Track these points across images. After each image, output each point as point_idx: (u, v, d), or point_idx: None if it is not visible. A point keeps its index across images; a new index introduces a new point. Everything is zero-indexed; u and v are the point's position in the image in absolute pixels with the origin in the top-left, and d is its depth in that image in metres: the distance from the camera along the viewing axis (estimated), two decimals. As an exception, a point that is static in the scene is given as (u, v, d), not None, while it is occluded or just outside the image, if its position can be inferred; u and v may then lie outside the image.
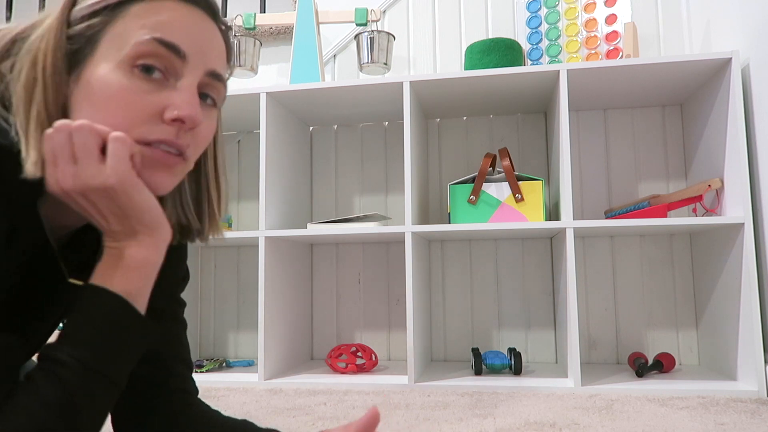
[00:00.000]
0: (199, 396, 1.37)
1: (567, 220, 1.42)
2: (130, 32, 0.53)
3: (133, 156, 0.53)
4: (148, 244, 0.54)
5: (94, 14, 0.54)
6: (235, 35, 1.82)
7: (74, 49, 0.54)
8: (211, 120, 0.60)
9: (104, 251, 0.54)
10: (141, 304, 0.54)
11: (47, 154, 0.51)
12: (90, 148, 0.51)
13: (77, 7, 0.54)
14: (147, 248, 0.54)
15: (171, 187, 0.57)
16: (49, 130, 0.51)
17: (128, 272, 0.53)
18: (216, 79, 0.59)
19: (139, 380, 0.67)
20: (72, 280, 0.62)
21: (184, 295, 1.87)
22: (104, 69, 0.53)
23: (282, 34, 2.05)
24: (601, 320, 1.74)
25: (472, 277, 1.83)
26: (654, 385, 1.36)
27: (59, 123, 0.50)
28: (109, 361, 0.51)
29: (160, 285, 0.69)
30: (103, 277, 0.53)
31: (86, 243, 0.64)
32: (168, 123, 0.54)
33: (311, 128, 1.98)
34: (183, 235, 0.66)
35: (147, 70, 0.53)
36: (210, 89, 0.59)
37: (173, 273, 0.72)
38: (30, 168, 0.50)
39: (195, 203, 0.65)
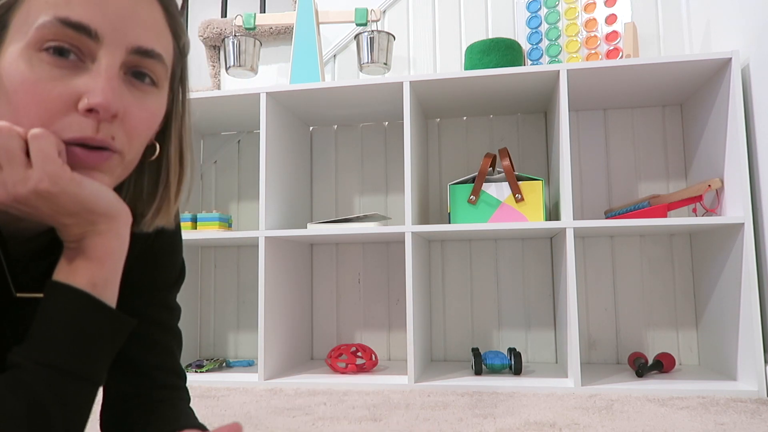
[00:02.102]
0: (200, 396, 1.37)
1: (567, 220, 1.42)
2: (35, 12, 0.47)
3: (59, 150, 0.47)
4: (108, 232, 0.50)
5: None
6: (235, 35, 1.82)
7: None
8: (149, 103, 0.52)
9: (64, 246, 0.51)
10: (109, 296, 0.51)
11: None
12: (13, 152, 0.45)
13: None
14: (108, 237, 0.50)
15: (109, 186, 0.51)
16: None
17: (91, 264, 0.49)
18: (146, 56, 0.51)
19: (122, 392, 0.63)
20: (21, 295, 0.56)
21: (184, 296, 1.87)
22: (9, 58, 0.47)
23: (282, 34, 2.05)
24: (601, 320, 1.74)
25: (472, 277, 1.83)
26: (654, 385, 1.36)
27: None
28: (79, 359, 0.48)
29: (141, 289, 0.64)
30: (65, 272, 0.49)
31: (48, 251, 0.58)
32: (84, 114, 0.48)
33: (311, 128, 1.98)
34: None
35: (57, 52, 0.47)
36: (143, 67, 0.51)
37: (163, 275, 0.67)
38: None
39: (151, 189, 0.59)
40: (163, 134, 0.59)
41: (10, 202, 0.46)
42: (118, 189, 0.59)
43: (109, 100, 0.48)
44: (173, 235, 0.68)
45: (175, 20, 0.55)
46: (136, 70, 0.51)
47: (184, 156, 0.60)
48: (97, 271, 0.50)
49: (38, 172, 0.45)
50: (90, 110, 0.48)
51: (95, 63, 0.48)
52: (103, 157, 0.49)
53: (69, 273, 0.49)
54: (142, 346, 0.64)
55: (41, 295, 0.58)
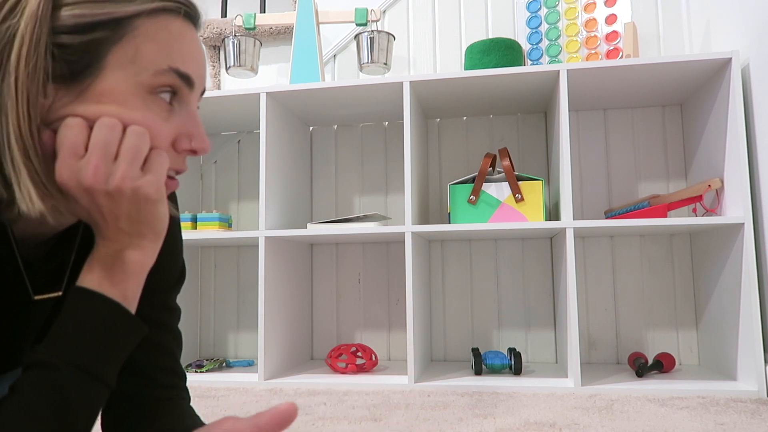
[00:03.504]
0: (200, 396, 1.37)
1: (567, 220, 1.42)
2: (146, 56, 0.51)
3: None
4: (149, 249, 0.54)
5: (97, 26, 0.50)
6: (235, 35, 1.82)
7: (71, 59, 0.49)
8: None
9: (97, 252, 0.52)
10: (133, 306, 0.54)
11: (71, 146, 0.48)
12: (141, 153, 0.50)
13: (66, 12, 0.49)
14: (147, 253, 0.53)
15: None
16: (73, 121, 0.49)
17: (127, 277, 0.52)
18: (203, 95, 0.60)
19: (123, 393, 0.65)
20: (39, 297, 0.60)
21: (184, 296, 1.87)
22: (123, 91, 0.51)
23: (282, 34, 2.05)
24: (601, 320, 1.74)
25: (472, 277, 1.82)
26: (654, 385, 1.36)
27: (108, 119, 0.49)
28: (104, 363, 0.50)
29: (148, 290, 0.67)
30: (98, 279, 0.51)
31: (58, 253, 0.61)
32: (179, 152, 0.55)
33: (311, 128, 1.98)
34: None
35: (167, 97, 0.54)
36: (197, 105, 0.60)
37: (164, 276, 0.69)
38: (33, 205, 0.48)
39: None
40: None
41: (100, 193, 0.50)
42: None
43: (208, 145, 0.57)
44: (174, 237, 0.70)
45: None
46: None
47: None
48: (130, 285, 0.53)
49: (150, 177, 0.51)
50: (186, 149, 0.56)
51: (182, 106, 0.56)
52: (175, 185, 0.57)
53: (103, 282, 0.52)
54: (143, 347, 0.66)
55: (55, 294, 0.61)
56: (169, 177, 0.56)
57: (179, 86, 0.54)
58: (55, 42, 0.49)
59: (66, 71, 0.49)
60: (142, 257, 0.53)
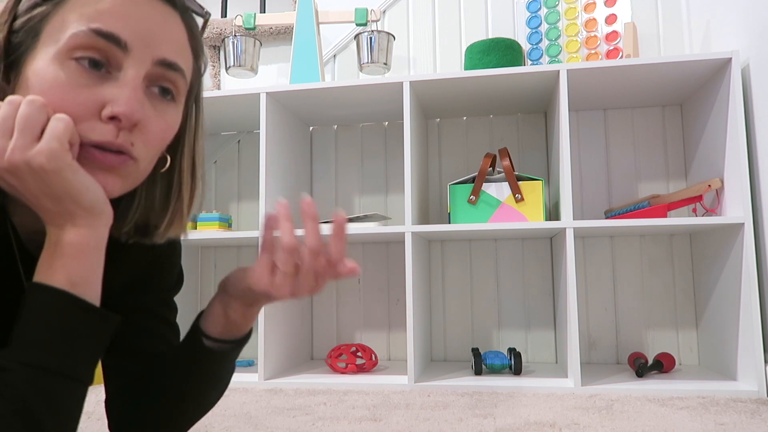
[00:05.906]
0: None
1: (567, 220, 1.42)
2: (69, 23, 0.49)
3: (72, 140, 0.49)
4: (86, 227, 0.50)
5: (37, 5, 0.51)
6: (235, 35, 1.82)
7: (16, 42, 0.51)
8: (167, 115, 0.55)
9: (45, 243, 0.51)
10: (90, 293, 0.50)
11: None
12: (32, 121, 0.47)
13: None
14: (84, 232, 0.50)
15: (120, 190, 0.53)
16: None
17: (68, 261, 0.49)
18: (170, 68, 0.54)
19: (131, 381, 0.67)
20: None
21: (184, 296, 1.87)
22: (41, 62, 0.49)
23: (282, 34, 2.05)
24: (601, 320, 1.74)
25: (472, 277, 1.82)
26: (654, 385, 1.36)
27: (11, 96, 0.47)
28: (64, 358, 0.48)
29: (150, 288, 0.69)
30: (44, 270, 0.49)
31: None
32: (105, 121, 0.50)
33: (311, 128, 1.98)
34: (140, 232, 0.61)
35: (86, 62, 0.49)
36: (164, 81, 0.54)
37: (164, 278, 0.71)
38: None
39: (163, 201, 0.61)
40: (175, 148, 0.61)
41: (3, 171, 0.47)
42: (131, 199, 0.60)
43: (133, 109, 0.50)
44: (177, 242, 0.73)
45: (197, 41, 0.59)
46: (159, 84, 0.54)
47: (196, 170, 0.62)
48: (74, 269, 0.49)
49: (41, 146, 0.47)
50: (112, 117, 0.50)
51: (121, 72, 0.51)
52: (119, 161, 0.52)
53: (47, 273, 0.49)
54: (148, 337, 0.69)
55: None
56: (100, 149, 0.51)
57: (105, 48, 0.50)
58: (13, 27, 0.51)
59: (14, 55, 0.51)
60: (78, 236, 0.49)
